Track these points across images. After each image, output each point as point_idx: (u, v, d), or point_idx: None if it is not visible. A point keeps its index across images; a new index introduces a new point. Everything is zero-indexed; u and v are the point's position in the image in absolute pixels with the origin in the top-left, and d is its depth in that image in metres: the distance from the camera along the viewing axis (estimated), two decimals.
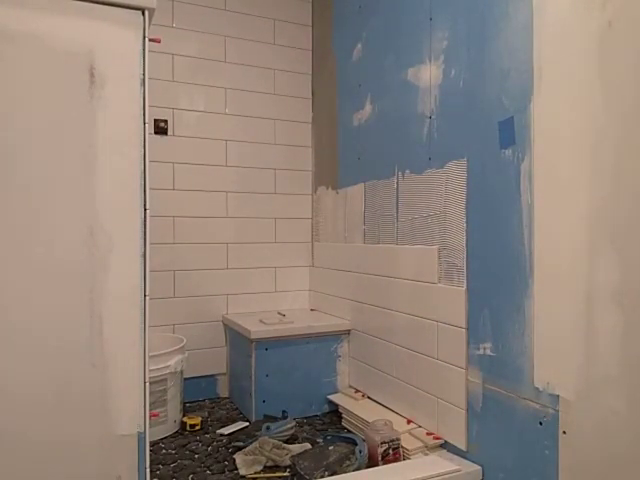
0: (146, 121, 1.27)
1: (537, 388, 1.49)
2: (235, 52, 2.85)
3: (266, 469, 1.93)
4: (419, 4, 2.05)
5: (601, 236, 1.30)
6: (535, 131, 1.49)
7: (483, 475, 1.69)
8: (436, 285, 1.92)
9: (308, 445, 2.08)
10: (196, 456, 2.06)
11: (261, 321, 2.55)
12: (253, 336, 2.39)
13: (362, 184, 2.49)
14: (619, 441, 1.27)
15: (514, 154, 1.57)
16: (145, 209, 1.27)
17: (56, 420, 1.19)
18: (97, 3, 1.23)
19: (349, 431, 2.27)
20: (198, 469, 1.95)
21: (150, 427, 1.29)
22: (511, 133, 1.58)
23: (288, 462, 1.94)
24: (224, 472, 1.92)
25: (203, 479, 1.88)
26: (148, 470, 1.27)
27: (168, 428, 2.28)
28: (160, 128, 2.66)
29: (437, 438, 1.88)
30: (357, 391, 2.49)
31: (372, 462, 1.88)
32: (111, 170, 1.24)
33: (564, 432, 1.41)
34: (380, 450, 1.86)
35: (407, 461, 1.85)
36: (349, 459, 1.86)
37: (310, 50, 3.06)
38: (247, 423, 2.38)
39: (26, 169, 1.17)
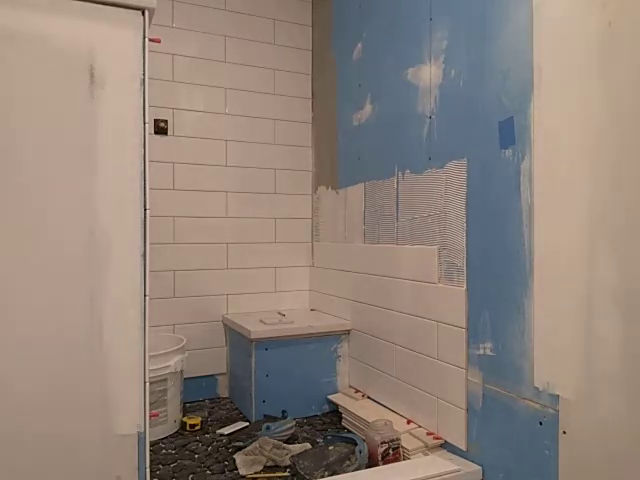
0: (146, 121, 1.27)
1: (537, 388, 1.49)
2: (235, 52, 2.85)
3: (266, 469, 1.93)
4: (419, 4, 2.05)
5: (601, 236, 1.30)
6: (535, 131, 1.49)
7: (483, 475, 1.69)
8: (436, 285, 1.92)
9: (308, 445, 2.08)
10: (196, 456, 2.06)
11: (261, 321, 2.55)
12: (253, 336, 2.39)
13: (362, 184, 2.49)
14: (619, 441, 1.27)
15: (514, 154, 1.57)
16: (145, 209, 1.27)
17: (56, 420, 1.19)
18: (97, 3, 1.23)
19: (349, 431, 2.27)
20: (198, 469, 1.95)
21: (150, 427, 1.29)
22: (511, 133, 1.58)
23: (288, 462, 1.94)
24: (224, 472, 1.92)
25: (203, 479, 1.88)
26: (148, 470, 1.27)
27: (168, 428, 2.28)
28: (160, 128, 2.66)
29: (437, 438, 1.88)
30: (357, 391, 2.49)
31: (372, 462, 1.88)
32: (111, 170, 1.24)
33: (564, 432, 1.41)
34: (380, 450, 1.86)
35: (407, 461, 1.85)
36: (349, 459, 1.86)
37: (310, 50, 3.06)
38: (247, 423, 2.38)
39: (26, 169, 1.17)
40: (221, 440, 2.21)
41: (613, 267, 1.28)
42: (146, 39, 1.27)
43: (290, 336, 2.47)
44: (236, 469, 1.92)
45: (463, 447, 1.77)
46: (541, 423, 1.48)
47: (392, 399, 2.21)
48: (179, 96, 2.72)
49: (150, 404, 1.30)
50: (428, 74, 1.99)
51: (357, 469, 1.82)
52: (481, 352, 1.71)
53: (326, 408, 2.54)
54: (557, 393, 1.43)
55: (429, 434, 1.92)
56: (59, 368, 1.20)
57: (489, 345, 1.67)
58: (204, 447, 2.14)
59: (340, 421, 2.39)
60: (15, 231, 1.16)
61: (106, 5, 1.23)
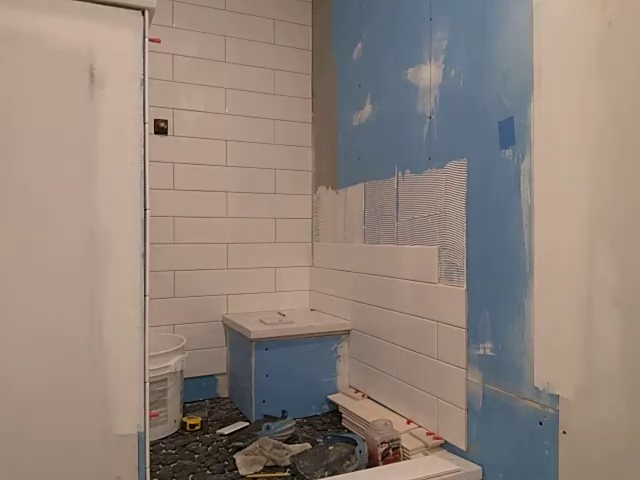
0: (146, 121, 1.27)
1: (537, 388, 1.49)
2: (235, 52, 2.85)
3: (266, 469, 1.93)
4: (419, 4, 2.05)
5: (601, 236, 1.30)
6: (535, 131, 1.49)
7: (483, 475, 1.69)
8: (436, 285, 1.92)
9: (308, 445, 2.08)
10: (196, 456, 2.06)
11: (261, 321, 2.55)
12: (253, 336, 2.39)
13: (362, 184, 2.49)
14: (619, 441, 1.27)
15: (514, 154, 1.57)
16: (145, 209, 1.27)
17: (56, 420, 1.19)
18: (97, 3, 1.23)
19: (349, 431, 2.27)
20: (198, 469, 1.95)
21: (150, 427, 1.29)
22: (511, 133, 1.58)
23: (288, 462, 1.94)
24: (224, 472, 1.92)
25: (203, 479, 1.88)
26: (148, 470, 1.27)
27: (168, 428, 2.28)
28: (160, 128, 2.66)
29: (437, 438, 1.88)
30: (357, 391, 2.49)
31: (372, 462, 1.88)
32: (111, 170, 1.24)
33: (564, 432, 1.41)
34: (380, 450, 1.86)
35: (407, 461, 1.85)
36: (349, 459, 1.86)
37: (310, 50, 3.06)
38: (247, 423, 2.38)
39: (26, 169, 1.17)
40: (221, 440, 2.21)
41: (613, 267, 1.28)
42: (146, 39, 1.27)
43: (290, 336, 2.47)
44: (236, 469, 1.92)
45: (463, 447, 1.77)
46: (541, 423, 1.48)
47: (392, 399, 2.21)
48: (179, 96, 2.72)
49: (150, 404, 1.30)
50: (428, 74, 1.99)
51: (357, 469, 1.82)
52: (481, 352, 1.71)
53: (326, 408, 2.54)
54: (557, 393, 1.43)
55: (429, 434, 1.92)
56: (59, 368, 1.20)
57: (489, 345, 1.67)
58: (204, 447, 2.14)
59: (340, 421, 2.39)
60: (15, 231, 1.16)
61: (106, 5, 1.23)
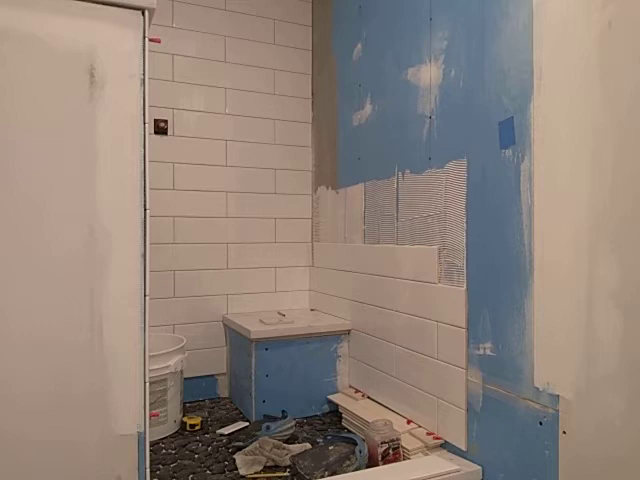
0: (146, 121, 1.27)
1: (537, 388, 1.49)
2: (235, 52, 2.85)
3: (266, 469, 1.93)
4: (419, 4, 2.05)
5: (601, 236, 1.30)
6: (535, 131, 1.49)
7: (483, 475, 1.69)
8: (436, 285, 1.92)
9: (308, 445, 2.08)
10: (196, 456, 2.06)
11: (261, 321, 2.55)
12: (253, 336, 2.39)
13: (362, 184, 2.49)
14: (619, 441, 1.27)
15: (514, 154, 1.57)
16: (145, 209, 1.27)
17: (56, 420, 1.19)
18: (97, 3, 1.23)
19: (349, 431, 2.27)
20: (198, 469, 1.95)
21: (150, 427, 1.29)
22: (511, 133, 1.58)
23: (288, 462, 1.94)
24: (224, 472, 1.92)
25: (203, 479, 1.88)
26: (148, 470, 1.28)
27: (168, 428, 2.28)
28: (160, 128, 2.66)
29: (437, 438, 1.88)
30: (357, 391, 2.49)
31: (372, 462, 1.88)
32: (111, 170, 1.24)
33: (564, 432, 1.41)
34: (380, 450, 1.86)
35: (407, 461, 1.85)
36: (349, 459, 1.86)
37: (310, 50, 3.06)
38: (247, 423, 2.38)
39: (26, 169, 1.17)
40: (221, 440, 2.21)
41: (613, 267, 1.27)
42: (146, 39, 1.28)
43: (290, 336, 2.47)
44: (236, 469, 1.92)
45: (463, 447, 1.77)
46: (541, 423, 1.48)
47: (392, 399, 2.21)
48: (179, 96, 2.72)
49: (150, 404, 1.30)
50: (428, 74, 1.99)
51: (357, 469, 1.82)
52: (481, 352, 1.71)
53: (326, 408, 2.54)
54: (557, 393, 1.43)
55: (429, 434, 1.92)
56: (59, 368, 1.20)
57: (489, 345, 1.67)
58: (204, 447, 2.14)
59: (340, 421, 2.39)
60: (15, 232, 1.16)
61: (106, 5, 1.24)
